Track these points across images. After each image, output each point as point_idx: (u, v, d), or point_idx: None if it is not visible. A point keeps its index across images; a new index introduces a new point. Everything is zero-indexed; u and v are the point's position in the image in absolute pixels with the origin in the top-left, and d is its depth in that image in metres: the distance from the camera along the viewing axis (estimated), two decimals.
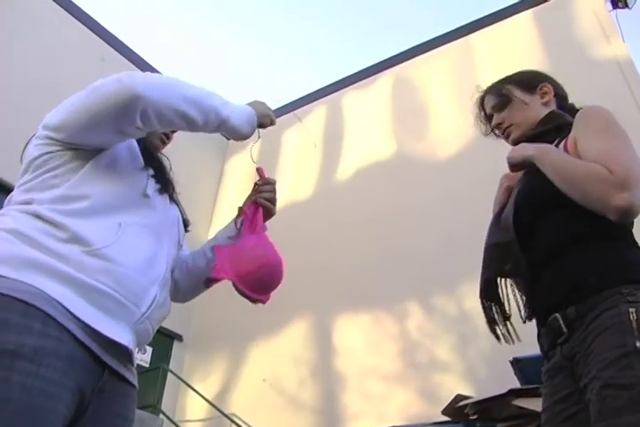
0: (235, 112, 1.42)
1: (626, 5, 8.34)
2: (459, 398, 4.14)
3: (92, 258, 1.21)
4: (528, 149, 1.53)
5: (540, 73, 1.82)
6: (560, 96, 1.73)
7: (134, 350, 1.31)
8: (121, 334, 1.23)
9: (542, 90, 1.71)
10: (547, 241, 1.42)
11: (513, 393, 3.60)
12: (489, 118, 1.80)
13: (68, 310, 1.15)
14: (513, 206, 1.50)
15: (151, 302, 1.30)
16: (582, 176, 1.34)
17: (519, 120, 1.69)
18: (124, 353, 1.27)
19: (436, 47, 9.96)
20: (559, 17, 8.74)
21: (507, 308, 1.57)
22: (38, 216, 1.24)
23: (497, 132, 1.78)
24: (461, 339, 6.63)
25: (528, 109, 1.68)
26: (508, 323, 1.58)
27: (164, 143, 1.66)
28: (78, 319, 1.16)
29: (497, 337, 1.60)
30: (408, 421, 5.78)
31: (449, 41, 9.85)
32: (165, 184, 1.50)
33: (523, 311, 1.52)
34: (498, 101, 1.74)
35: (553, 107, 1.69)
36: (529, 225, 1.46)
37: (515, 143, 1.71)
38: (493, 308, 1.58)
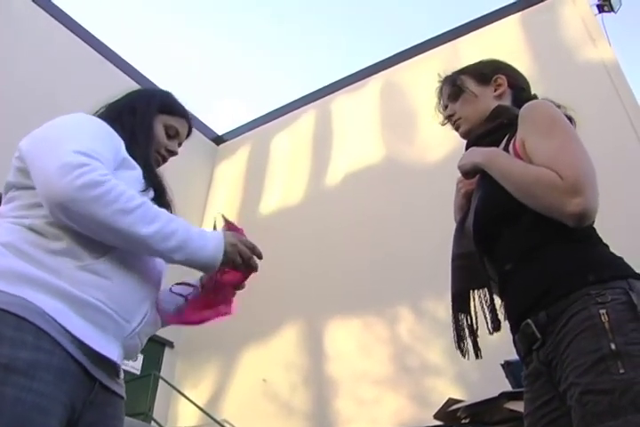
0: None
1: (611, 9, 8.40)
2: (450, 401, 4.14)
3: (85, 273, 1.21)
4: (476, 156, 1.51)
5: (498, 63, 1.78)
6: (516, 87, 1.70)
7: (121, 364, 1.31)
8: (110, 348, 1.23)
9: (497, 82, 1.68)
10: (510, 248, 1.41)
11: (505, 396, 3.60)
12: (446, 108, 1.79)
13: (59, 324, 1.15)
14: (473, 215, 1.48)
15: (142, 319, 1.30)
16: (531, 183, 1.31)
17: (467, 113, 1.66)
18: (110, 368, 1.27)
19: (425, 51, 10.01)
20: (546, 21, 8.81)
21: (474, 321, 1.55)
22: (32, 229, 1.24)
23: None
24: (452, 343, 6.60)
25: (477, 102, 1.65)
26: (475, 337, 1.56)
27: (159, 164, 1.65)
28: (69, 333, 1.15)
29: (462, 353, 1.58)
30: (400, 425, 5.79)
31: (437, 45, 9.90)
32: (164, 206, 1.49)
33: (490, 323, 1.51)
34: (450, 92, 1.73)
35: (507, 99, 1.67)
36: (492, 232, 1.45)
37: (463, 136, 1.70)
38: (464, 321, 1.56)
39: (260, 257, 1.43)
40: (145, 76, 10.51)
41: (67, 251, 1.22)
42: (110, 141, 1.38)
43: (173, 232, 1.27)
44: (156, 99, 1.65)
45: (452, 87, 1.72)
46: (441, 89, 1.80)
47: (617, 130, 6.73)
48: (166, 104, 1.65)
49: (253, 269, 1.43)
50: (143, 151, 1.50)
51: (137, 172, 1.41)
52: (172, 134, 1.63)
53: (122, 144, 1.42)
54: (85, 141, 1.30)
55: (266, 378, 8.15)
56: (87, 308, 1.19)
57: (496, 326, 1.47)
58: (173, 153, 1.65)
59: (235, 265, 1.38)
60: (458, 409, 3.93)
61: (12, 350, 1.07)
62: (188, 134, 1.72)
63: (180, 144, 1.69)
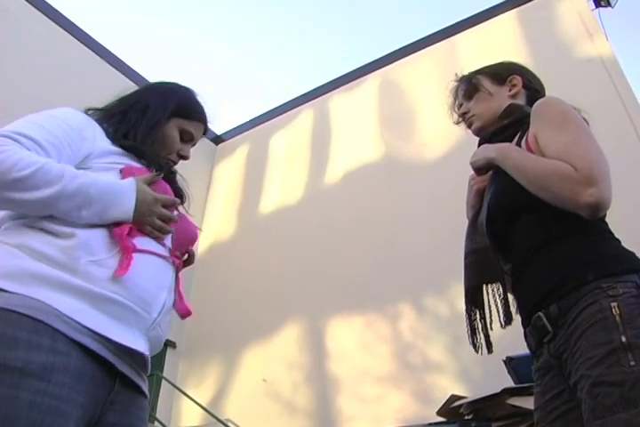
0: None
1: (608, 4, 8.39)
2: (453, 398, 4.16)
3: (100, 268, 1.21)
4: (490, 151, 1.53)
5: (515, 65, 1.81)
6: (530, 88, 1.73)
7: (149, 357, 1.31)
8: (136, 341, 1.23)
9: (512, 82, 1.71)
10: (523, 243, 1.42)
11: (507, 392, 3.62)
12: (461, 107, 1.81)
13: (79, 323, 1.14)
14: (486, 210, 1.50)
15: (161, 308, 1.30)
16: (546, 176, 1.33)
17: (481, 111, 1.70)
18: (139, 361, 1.27)
19: (422, 48, 9.99)
20: (543, 17, 8.80)
21: (487, 315, 1.56)
22: (42, 229, 1.24)
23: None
24: (454, 339, 6.64)
25: (492, 101, 1.68)
26: (488, 332, 1.57)
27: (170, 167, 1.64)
28: (92, 331, 1.15)
29: (475, 348, 1.59)
30: (403, 422, 5.79)
31: (434, 42, 9.88)
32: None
33: (502, 317, 1.52)
34: (465, 90, 1.76)
35: (521, 99, 1.70)
36: (505, 228, 1.46)
37: (475, 133, 1.73)
38: (477, 315, 1.58)
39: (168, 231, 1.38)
40: (143, 77, 10.49)
41: (79, 247, 1.21)
42: (73, 131, 1.36)
43: (77, 190, 1.25)
44: (173, 100, 1.60)
45: (468, 86, 1.75)
46: (456, 88, 1.82)
47: (615, 125, 6.72)
48: (184, 107, 1.61)
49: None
50: (140, 145, 1.49)
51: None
52: (187, 139, 1.61)
53: (98, 138, 1.41)
54: (18, 128, 1.30)
55: (266, 378, 8.16)
56: (106, 302, 1.18)
57: (508, 320, 1.49)
58: (185, 158, 1.64)
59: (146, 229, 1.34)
60: (460, 406, 3.94)
61: (27, 353, 1.06)
62: (204, 134, 1.71)
63: (193, 145, 1.67)
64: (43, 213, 1.25)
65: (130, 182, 1.33)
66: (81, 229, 1.24)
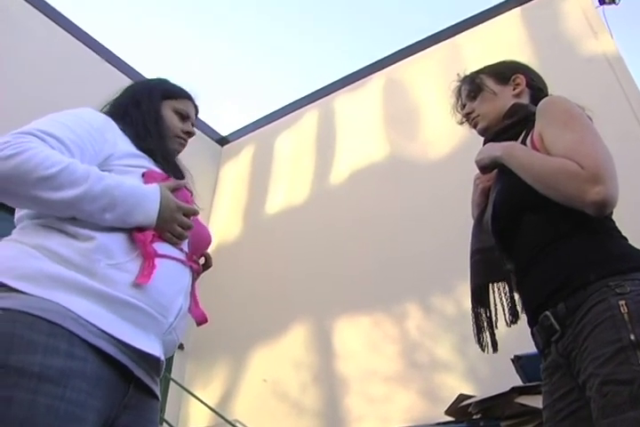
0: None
1: (613, 1, 8.35)
2: (461, 397, 4.15)
3: (118, 271, 1.21)
4: (495, 150, 1.53)
5: (517, 64, 1.82)
6: (534, 87, 1.73)
7: (163, 361, 1.31)
8: (152, 345, 1.23)
9: (515, 81, 1.72)
10: (529, 241, 1.42)
11: (515, 391, 3.60)
12: (464, 107, 1.82)
13: (96, 326, 1.14)
14: (492, 209, 1.50)
15: (177, 312, 1.31)
16: (553, 174, 1.33)
17: (485, 111, 1.71)
18: (154, 365, 1.27)
19: (426, 48, 9.97)
20: (547, 15, 8.77)
21: (493, 314, 1.56)
22: (61, 230, 1.23)
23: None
24: (462, 338, 6.62)
25: (496, 100, 1.69)
26: (493, 330, 1.57)
27: (183, 147, 1.70)
28: (108, 335, 1.15)
29: (482, 347, 1.59)
30: (411, 422, 5.78)
31: (438, 41, 9.86)
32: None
33: (507, 316, 1.52)
34: (469, 90, 1.76)
35: (525, 98, 1.70)
36: (511, 226, 1.46)
37: (480, 133, 1.73)
38: (484, 314, 1.58)
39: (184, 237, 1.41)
40: (144, 77, 10.47)
41: (98, 250, 1.21)
42: (95, 132, 1.38)
43: (102, 191, 1.24)
44: (156, 87, 1.70)
45: (471, 86, 1.75)
46: (459, 88, 1.83)
47: (620, 122, 6.69)
48: (167, 90, 1.71)
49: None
50: (158, 143, 1.51)
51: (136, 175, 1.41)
52: (185, 116, 1.68)
53: (119, 140, 1.43)
54: (43, 126, 1.30)
55: (268, 378, 8.16)
56: (124, 306, 1.18)
57: (514, 319, 1.49)
58: (191, 133, 1.70)
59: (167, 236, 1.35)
60: (469, 405, 3.93)
61: (44, 357, 1.06)
62: (196, 114, 1.77)
63: (192, 124, 1.74)
64: (66, 214, 1.24)
65: (154, 188, 1.34)
66: (100, 232, 1.24)
